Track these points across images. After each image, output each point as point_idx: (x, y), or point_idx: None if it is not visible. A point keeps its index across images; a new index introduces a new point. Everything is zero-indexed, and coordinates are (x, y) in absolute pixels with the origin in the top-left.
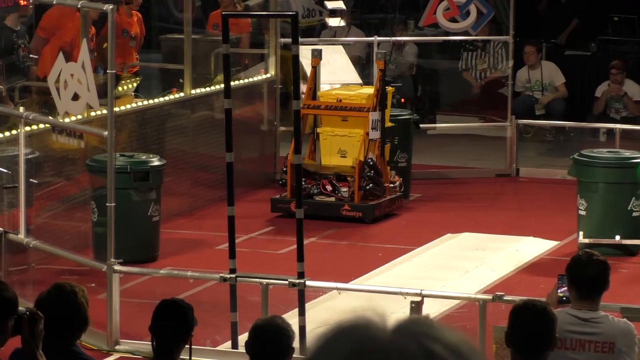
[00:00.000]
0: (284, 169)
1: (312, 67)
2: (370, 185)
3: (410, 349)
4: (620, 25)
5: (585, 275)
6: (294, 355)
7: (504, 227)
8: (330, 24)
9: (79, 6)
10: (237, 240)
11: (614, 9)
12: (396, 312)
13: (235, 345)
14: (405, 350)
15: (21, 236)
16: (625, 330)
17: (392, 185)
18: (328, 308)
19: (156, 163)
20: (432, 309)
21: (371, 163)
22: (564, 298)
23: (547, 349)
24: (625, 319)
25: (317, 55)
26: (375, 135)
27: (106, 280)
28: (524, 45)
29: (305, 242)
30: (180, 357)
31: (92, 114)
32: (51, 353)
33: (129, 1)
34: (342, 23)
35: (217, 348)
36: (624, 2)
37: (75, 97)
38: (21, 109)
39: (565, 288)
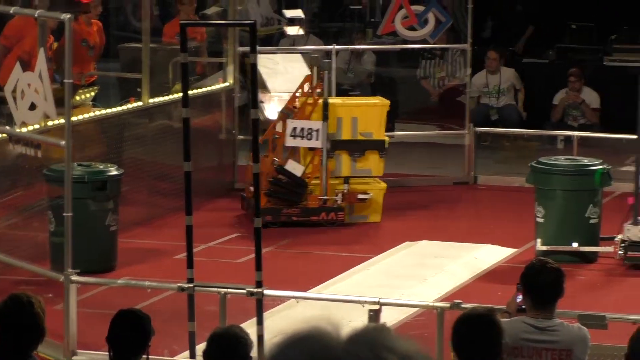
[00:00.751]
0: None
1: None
2: (271, 189)
3: (363, 358)
4: (577, 33)
5: (539, 283)
6: None
7: (462, 235)
8: (288, 33)
9: (35, 15)
10: (195, 250)
11: (571, 17)
12: (354, 320)
13: (193, 354)
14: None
15: None
16: (581, 337)
17: (322, 197)
18: (286, 317)
19: (114, 172)
20: (390, 317)
21: (278, 168)
22: (523, 307)
23: (494, 356)
24: (579, 325)
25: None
26: (297, 143)
27: (63, 291)
28: (484, 52)
29: (264, 250)
30: None
31: (50, 123)
32: None
33: (86, 10)
34: (301, 32)
35: (175, 358)
36: (581, 10)
37: (32, 106)
38: None
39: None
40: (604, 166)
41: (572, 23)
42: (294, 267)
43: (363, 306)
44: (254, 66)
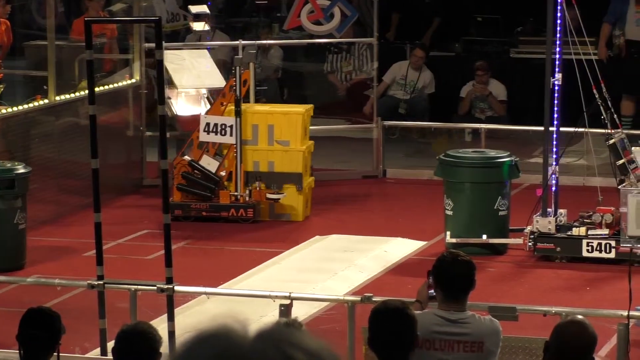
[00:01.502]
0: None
1: None
2: (183, 184)
3: (270, 355)
4: (483, 25)
5: (450, 276)
6: None
7: (372, 229)
8: (194, 28)
9: None
10: (104, 247)
11: (477, 10)
12: (266, 315)
13: (104, 352)
14: (265, 357)
15: None
16: (492, 329)
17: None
18: (197, 313)
19: (21, 171)
20: (301, 312)
21: (191, 164)
22: (433, 293)
23: (409, 348)
24: (491, 317)
25: None
26: (211, 139)
27: None
28: (387, 48)
29: (174, 246)
30: None
31: None
32: None
33: None
34: (207, 27)
35: (86, 355)
36: (487, 3)
37: None
38: None
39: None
40: (512, 158)
41: (478, 16)
42: (205, 262)
43: (274, 301)
44: (160, 62)
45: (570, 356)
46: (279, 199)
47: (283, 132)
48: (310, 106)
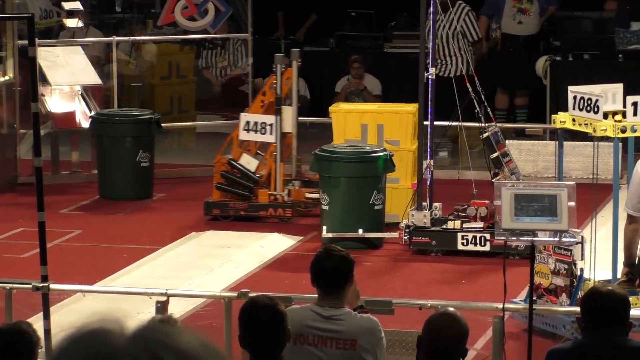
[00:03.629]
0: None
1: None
2: (221, 184)
3: (140, 357)
4: (357, 20)
5: (324, 270)
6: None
7: (248, 225)
8: (68, 25)
9: None
10: None
11: (351, 5)
12: (142, 312)
13: None
14: (135, 359)
15: None
16: (367, 327)
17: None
18: (74, 311)
19: None
20: (177, 309)
21: (230, 163)
22: None
23: (280, 345)
24: (369, 315)
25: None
26: (251, 137)
27: None
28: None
29: (49, 245)
30: None
31: None
32: None
33: None
34: (80, 24)
35: None
36: None
37: None
38: None
39: None
40: (387, 153)
41: (351, 10)
42: (80, 260)
43: (150, 298)
44: (33, 59)
45: (442, 348)
46: (318, 197)
47: (393, 132)
48: (416, 106)
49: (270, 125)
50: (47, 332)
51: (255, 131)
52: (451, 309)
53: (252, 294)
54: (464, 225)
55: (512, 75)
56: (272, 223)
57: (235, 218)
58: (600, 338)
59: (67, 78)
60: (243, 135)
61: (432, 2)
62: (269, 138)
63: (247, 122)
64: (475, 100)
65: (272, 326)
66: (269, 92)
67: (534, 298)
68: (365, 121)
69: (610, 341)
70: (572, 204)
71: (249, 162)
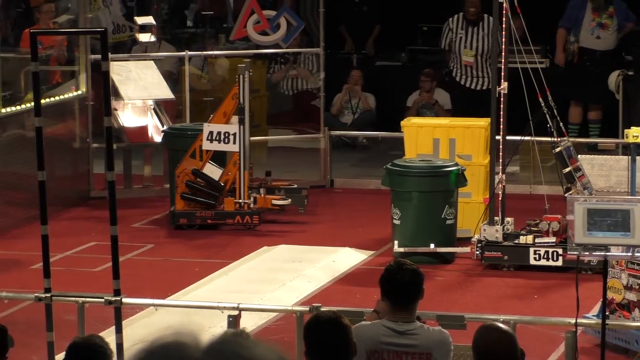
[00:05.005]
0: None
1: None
2: (186, 193)
3: None
4: (429, 35)
5: (396, 285)
6: None
7: (320, 239)
8: (140, 40)
9: None
10: (51, 259)
11: (422, 19)
12: (214, 326)
13: None
14: None
15: None
16: (441, 340)
17: (238, 201)
18: (146, 325)
19: None
20: (249, 323)
21: (194, 173)
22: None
23: (346, 358)
24: (440, 328)
25: None
26: (214, 147)
27: None
28: (335, 58)
29: (122, 259)
30: None
31: None
32: None
33: None
34: (153, 38)
35: None
36: (432, 12)
37: None
38: None
39: None
40: (459, 167)
41: (423, 25)
42: (152, 274)
43: (222, 312)
44: (106, 74)
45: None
46: (284, 205)
47: (465, 146)
48: (488, 120)
49: (234, 134)
50: (120, 346)
51: (219, 141)
52: (496, 323)
53: (323, 309)
54: (537, 240)
55: (586, 89)
56: (237, 230)
57: (200, 227)
58: None
59: (140, 92)
60: (206, 145)
61: (504, 16)
62: (233, 147)
63: (211, 133)
64: (547, 115)
65: (337, 339)
66: (231, 102)
67: (607, 313)
68: (437, 135)
69: None
70: None
71: (212, 171)
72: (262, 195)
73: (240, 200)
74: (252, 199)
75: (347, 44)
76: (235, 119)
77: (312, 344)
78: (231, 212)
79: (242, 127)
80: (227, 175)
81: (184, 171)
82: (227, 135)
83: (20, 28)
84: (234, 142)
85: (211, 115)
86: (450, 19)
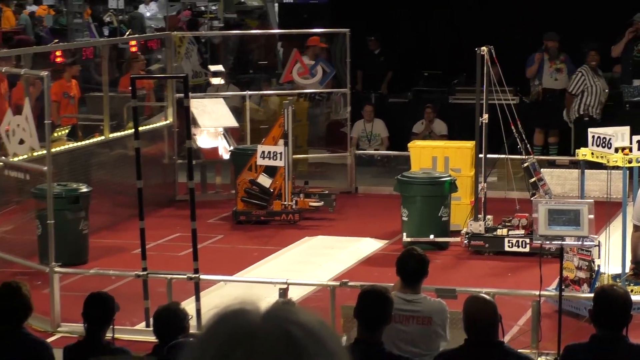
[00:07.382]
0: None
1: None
2: (245, 196)
3: (273, 332)
4: (429, 78)
5: (406, 268)
6: (190, 331)
7: (348, 231)
8: (213, 82)
9: (22, 73)
10: (147, 246)
11: (424, 66)
12: (269, 297)
13: (148, 324)
14: (270, 334)
15: None
16: (439, 308)
17: (283, 203)
18: (218, 295)
19: (84, 190)
20: (295, 294)
21: (251, 181)
22: None
23: (385, 323)
24: (440, 299)
25: None
26: (265, 162)
27: (49, 279)
28: (360, 98)
29: (199, 246)
30: (107, 334)
31: (35, 154)
32: (4, 335)
33: (59, 69)
34: (222, 81)
35: (134, 327)
36: (431, 61)
37: (21, 141)
38: None
39: None
40: (451, 178)
41: (424, 71)
42: (222, 258)
43: (275, 286)
44: (187, 108)
45: (482, 325)
46: (318, 206)
47: (456, 162)
48: (473, 143)
49: (280, 153)
50: (198, 311)
51: (269, 158)
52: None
53: (351, 283)
54: (510, 233)
55: (547, 118)
56: (283, 225)
57: (255, 222)
58: (609, 334)
59: (213, 122)
60: (260, 162)
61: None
62: (279, 163)
63: (263, 152)
64: (518, 139)
65: (382, 308)
66: (278, 129)
67: (563, 287)
68: (435, 154)
69: (617, 337)
70: (591, 216)
71: (264, 181)
72: (302, 198)
73: (285, 203)
74: (294, 201)
75: (358, 85)
76: (281, 141)
77: (362, 308)
78: (278, 212)
79: (286, 147)
80: (275, 183)
81: (243, 180)
82: (275, 153)
83: (120, 74)
84: (281, 159)
85: (263, 139)
86: None
